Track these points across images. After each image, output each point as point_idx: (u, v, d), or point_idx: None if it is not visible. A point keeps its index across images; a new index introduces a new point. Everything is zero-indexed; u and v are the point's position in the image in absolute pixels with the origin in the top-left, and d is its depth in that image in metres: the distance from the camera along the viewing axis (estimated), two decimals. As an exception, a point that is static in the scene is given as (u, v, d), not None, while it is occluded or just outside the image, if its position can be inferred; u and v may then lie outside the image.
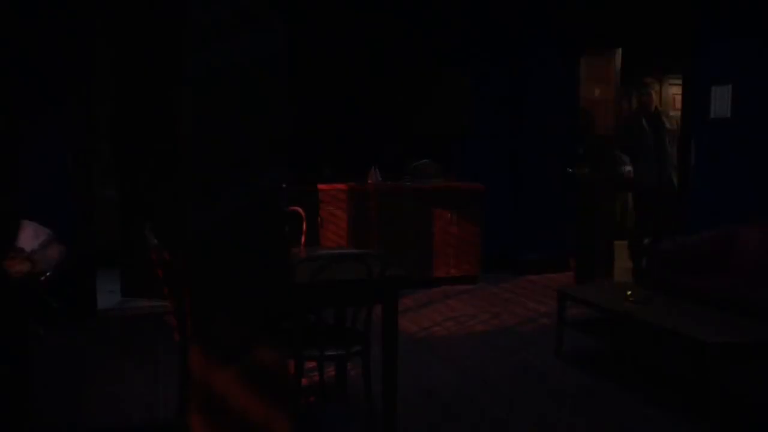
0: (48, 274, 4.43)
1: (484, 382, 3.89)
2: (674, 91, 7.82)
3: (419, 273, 6.02)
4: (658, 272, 4.70)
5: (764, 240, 4.49)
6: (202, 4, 1.50)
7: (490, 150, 6.75)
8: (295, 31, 5.19)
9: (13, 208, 2.74)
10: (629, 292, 3.97)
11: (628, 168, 6.32)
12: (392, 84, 6.39)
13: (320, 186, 5.91)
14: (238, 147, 1.53)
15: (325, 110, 6.19)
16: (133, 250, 5.33)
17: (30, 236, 4.36)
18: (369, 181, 6.18)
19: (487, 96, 6.66)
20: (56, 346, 4.41)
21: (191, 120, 1.48)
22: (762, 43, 4.87)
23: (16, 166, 4.27)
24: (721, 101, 5.30)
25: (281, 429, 1.09)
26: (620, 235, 6.70)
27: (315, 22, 6.00)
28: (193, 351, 1.19)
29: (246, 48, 1.52)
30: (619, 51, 6.36)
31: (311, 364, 3.68)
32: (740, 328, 3.48)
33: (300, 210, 3.95)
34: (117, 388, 3.63)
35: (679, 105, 6.49)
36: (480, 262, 6.32)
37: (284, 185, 1.80)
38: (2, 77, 3.80)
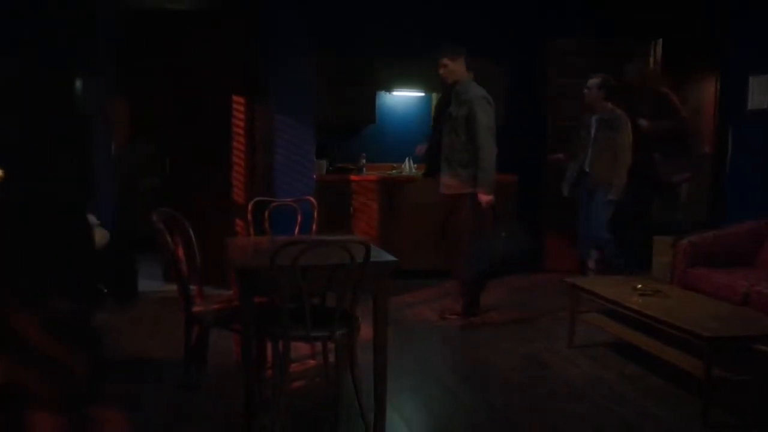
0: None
1: (488, 368, 3.96)
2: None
3: (449, 264, 6.09)
4: (680, 266, 4.63)
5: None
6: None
7: (524, 141, 6.73)
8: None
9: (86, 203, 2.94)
10: (639, 286, 3.96)
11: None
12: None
13: (353, 177, 6.06)
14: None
15: (362, 101, 6.33)
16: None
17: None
18: (402, 173, 6.32)
19: (524, 86, 6.66)
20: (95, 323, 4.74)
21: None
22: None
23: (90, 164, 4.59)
24: (759, 92, 5.14)
25: (79, 367, 1.24)
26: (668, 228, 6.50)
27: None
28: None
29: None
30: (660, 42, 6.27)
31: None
32: (749, 323, 3.44)
33: (312, 199, 4.11)
34: (141, 367, 3.89)
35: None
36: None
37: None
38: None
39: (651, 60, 6.33)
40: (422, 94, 6.68)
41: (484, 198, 4.64)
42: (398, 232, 6.07)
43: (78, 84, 4.99)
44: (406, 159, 6.55)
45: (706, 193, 6.48)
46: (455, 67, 4.75)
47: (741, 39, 5.25)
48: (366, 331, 3.34)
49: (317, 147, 5.97)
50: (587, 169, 5.52)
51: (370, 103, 6.34)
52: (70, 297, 1.44)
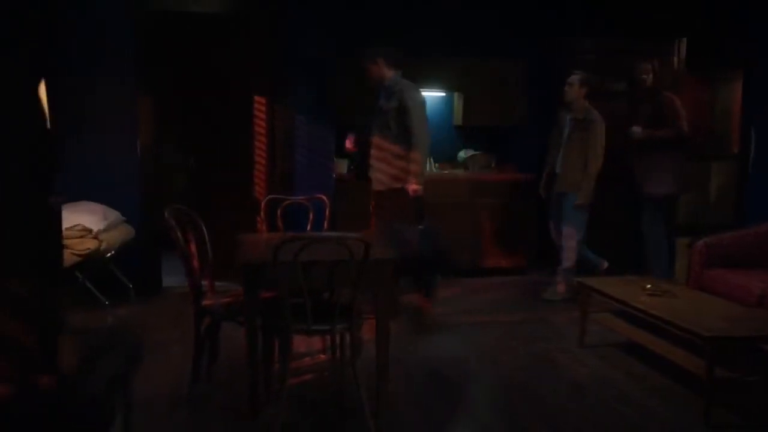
0: (112, 252, 4.94)
1: (495, 366, 4.00)
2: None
3: (469, 262, 6.14)
4: (696, 267, 4.59)
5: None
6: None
7: (543, 141, 6.72)
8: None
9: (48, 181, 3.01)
10: (648, 286, 3.95)
11: None
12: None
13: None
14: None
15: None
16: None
17: (98, 217, 4.87)
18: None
19: (544, 85, 6.65)
20: (119, 316, 4.91)
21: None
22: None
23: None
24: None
25: (30, 342, 1.34)
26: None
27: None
28: None
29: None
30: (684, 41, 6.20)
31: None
32: (753, 324, 3.41)
33: (324, 197, 4.20)
34: (156, 358, 4.02)
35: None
36: (532, 254, 6.34)
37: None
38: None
39: (675, 59, 6.25)
40: (443, 94, 6.71)
41: (413, 187, 4.60)
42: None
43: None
44: (427, 159, 6.59)
45: (733, 194, 6.41)
46: (378, 70, 4.76)
47: (763, 39, 5.17)
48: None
49: (338, 146, 6.07)
50: (557, 171, 5.40)
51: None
52: (27, 276, 1.54)
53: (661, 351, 3.60)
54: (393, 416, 3.23)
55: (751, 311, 3.72)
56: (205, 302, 3.38)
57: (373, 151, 4.83)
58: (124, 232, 5.17)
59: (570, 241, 5.31)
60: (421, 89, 6.42)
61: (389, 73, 4.77)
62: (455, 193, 6.17)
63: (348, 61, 5.96)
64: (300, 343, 4.27)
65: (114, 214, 5.10)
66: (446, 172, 6.47)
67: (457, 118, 6.65)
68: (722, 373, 3.21)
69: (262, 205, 4.08)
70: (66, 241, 4.68)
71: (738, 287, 4.19)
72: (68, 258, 4.65)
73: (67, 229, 4.70)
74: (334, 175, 5.85)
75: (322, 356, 4.07)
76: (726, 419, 3.26)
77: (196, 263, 3.43)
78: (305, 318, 2.90)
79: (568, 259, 5.34)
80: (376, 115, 4.82)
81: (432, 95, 6.68)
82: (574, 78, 5.30)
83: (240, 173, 5.72)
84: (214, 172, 5.85)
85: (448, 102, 6.79)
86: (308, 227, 4.09)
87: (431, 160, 6.56)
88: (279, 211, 4.05)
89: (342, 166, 6.26)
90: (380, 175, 4.80)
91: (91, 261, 4.82)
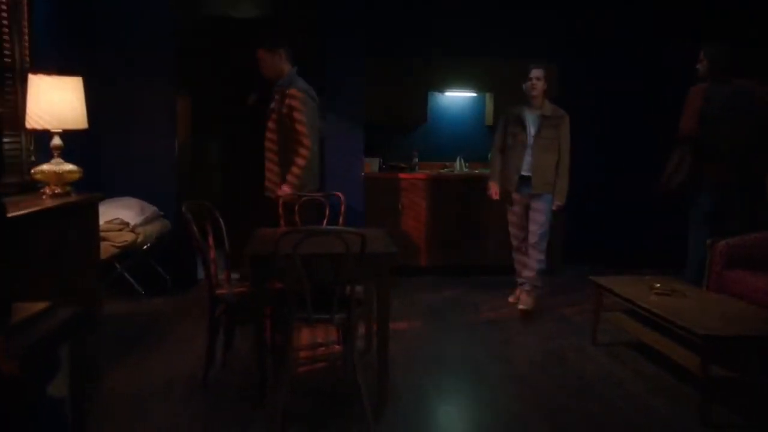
0: (149, 244, 5.22)
1: (505, 362, 4.08)
2: None
3: (497, 261, 6.20)
4: (716, 268, 4.54)
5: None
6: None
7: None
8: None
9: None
10: (657, 285, 3.96)
11: None
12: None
13: (402, 175, 6.26)
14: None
15: (414, 101, 6.53)
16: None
17: (135, 212, 5.16)
18: (453, 171, 6.47)
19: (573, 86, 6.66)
20: (153, 305, 5.19)
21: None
22: None
23: None
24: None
25: None
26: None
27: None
28: None
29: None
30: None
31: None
32: (753, 324, 3.39)
33: (340, 194, 4.35)
34: (181, 346, 4.26)
35: None
36: (559, 253, 6.36)
37: None
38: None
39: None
40: (474, 94, 6.79)
41: (285, 190, 4.27)
42: (445, 229, 6.24)
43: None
44: (458, 158, 6.70)
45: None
46: (274, 61, 4.36)
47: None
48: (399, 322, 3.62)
49: (370, 145, 6.24)
50: (526, 173, 4.98)
51: (421, 103, 6.53)
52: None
53: (666, 350, 3.61)
54: (393, 406, 3.36)
55: (758, 312, 3.68)
56: (219, 291, 3.59)
57: (265, 154, 4.53)
58: (160, 226, 5.46)
59: (544, 244, 5.03)
60: (452, 90, 6.62)
61: (287, 68, 4.40)
62: (482, 192, 6.23)
63: (376, 61, 6.14)
64: (319, 333, 4.45)
65: (151, 209, 5.39)
66: (477, 171, 6.55)
67: (489, 118, 6.74)
68: (724, 373, 3.22)
69: (280, 201, 4.26)
70: (105, 234, 4.99)
71: (759, 290, 4.13)
72: (107, 250, 4.96)
73: (106, 222, 5.01)
74: (363, 173, 6.00)
75: (337, 347, 4.23)
76: (728, 419, 3.27)
77: (212, 255, 3.64)
78: (306, 308, 3.06)
79: (541, 261, 5.05)
80: (267, 114, 4.50)
81: (464, 96, 6.80)
82: (540, 71, 4.92)
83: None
84: (247, 170, 6.09)
85: (479, 102, 6.87)
86: (324, 222, 4.25)
87: (461, 159, 6.67)
88: (296, 207, 4.22)
89: (374, 164, 6.42)
90: (266, 180, 4.52)
91: (129, 253, 5.11)
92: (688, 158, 5.08)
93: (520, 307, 5.06)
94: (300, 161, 4.27)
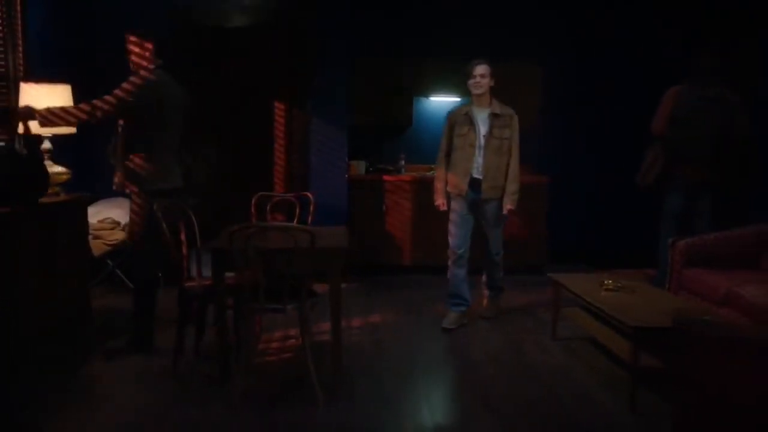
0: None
1: (462, 355, 4.29)
2: None
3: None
4: (677, 267, 4.71)
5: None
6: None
7: (563, 142, 6.94)
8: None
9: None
10: (608, 281, 4.13)
11: None
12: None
13: (386, 177, 6.49)
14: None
15: (399, 105, 6.76)
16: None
17: (126, 211, 5.44)
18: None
19: (560, 88, 6.85)
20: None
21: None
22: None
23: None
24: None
25: None
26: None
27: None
28: None
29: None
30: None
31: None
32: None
33: (309, 195, 4.61)
34: (165, 336, 4.50)
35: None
36: (546, 254, 6.53)
37: None
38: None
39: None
40: (458, 99, 6.99)
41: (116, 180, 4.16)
42: (427, 230, 6.45)
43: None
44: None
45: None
46: (147, 56, 4.12)
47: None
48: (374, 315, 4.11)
49: (357, 148, 6.48)
50: (477, 176, 4.71)
51: (407, 107, 6.76)
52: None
53: (609, 343, 3.79)
54: (348, 390, 3.60)
55: (698, 308, 3.84)
56: (188, 284, 3.85)
57: None
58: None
59: (500, 248, 4.93)
60: (436, 95, 6.83)
61: (157, 62, 4.14)
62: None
63: (361, 62, 6.39)
64: (290, 321, 4.67)
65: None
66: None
67: (474, 122, 6.93)
68: (650, 362, 3.40)
69: (253, 200, 4.52)
70: (98, 232, 5.30)
71: (708, 287, 4.31)
72: (99, 247, 5.27)
73: (98, 221, 5.33)
74: (348, 175, 6.24)
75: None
76: (659, 408, 3.43)
77: (184, 251, 3.91)
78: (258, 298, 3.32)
79: (502, 269, 5.03)
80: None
81: (450, 100, 7.00)
82: (484, 68, 4.64)
83: (261, 173, 6.24)
84: (238, 171, 6.40)
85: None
86: (294, 221, 4.51)
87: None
88: (268, 207, 4.49)
89: (360, 167, 6.65)
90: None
91: (120, 250, 5.41)
92: (661, 158, 5.31)
93: (484, 316, 5.07)
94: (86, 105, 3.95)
